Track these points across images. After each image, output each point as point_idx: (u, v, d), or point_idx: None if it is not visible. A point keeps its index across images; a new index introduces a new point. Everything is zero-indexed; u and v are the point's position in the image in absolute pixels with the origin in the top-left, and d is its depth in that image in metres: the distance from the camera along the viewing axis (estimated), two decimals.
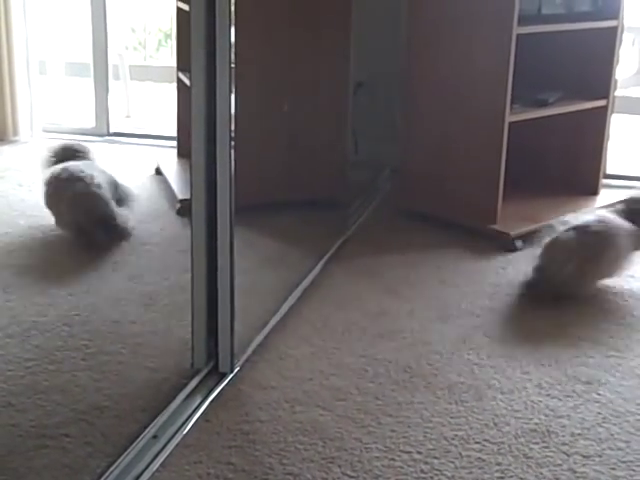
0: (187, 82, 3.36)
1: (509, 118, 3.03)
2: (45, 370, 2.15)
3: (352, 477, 1.76)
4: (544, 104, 3.20)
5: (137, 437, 1.84)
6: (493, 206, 3.12)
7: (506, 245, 3.08)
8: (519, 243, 3.09)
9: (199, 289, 2.14)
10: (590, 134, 3.46)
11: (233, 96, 2.02)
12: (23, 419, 1.93)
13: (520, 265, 2.95)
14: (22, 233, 3.14)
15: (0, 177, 3.87)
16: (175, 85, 4.01)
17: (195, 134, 2.04)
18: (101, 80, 4.63)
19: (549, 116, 3.23)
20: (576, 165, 3.52)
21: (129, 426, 1.90)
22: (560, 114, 3.26)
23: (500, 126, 3.03)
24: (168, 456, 1.81)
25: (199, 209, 2.09)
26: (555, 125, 3.43)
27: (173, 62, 4.25)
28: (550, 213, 3.26)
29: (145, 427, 1.88)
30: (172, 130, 4.11)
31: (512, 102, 3.04)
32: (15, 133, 4.48)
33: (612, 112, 3.46)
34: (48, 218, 3.31)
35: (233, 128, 2.03)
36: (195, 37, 2.00)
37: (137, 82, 5.69)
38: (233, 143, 2.04)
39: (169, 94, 4.86)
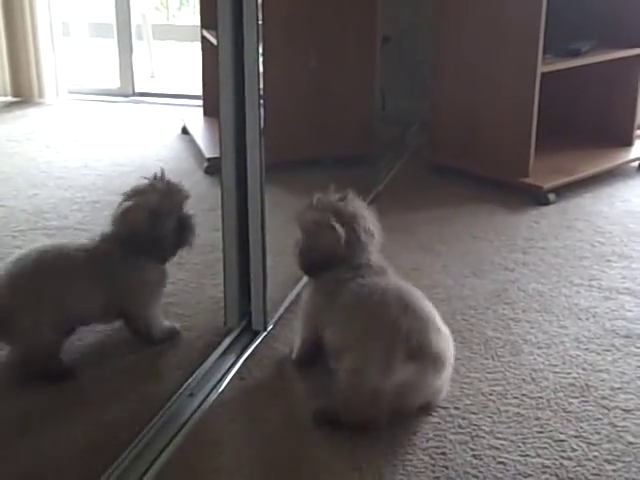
0: (212, 40, 3.33)
1: (541, 69, 2.97)
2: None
3: (390, 433, 1.74)
4: (577, 54, 3.12)
5: (173, 395, 1.84)
6: (525, 159, 3.07)
7: (539, 198, 3.03)
8: (552, 196, 3.04)
9: (230, 247, 2.12)
10: (624, 84, 3.38)
11: (261, 52, 1.98)
12: None
13: (553, 219, 2.91)
14: (51, 194, 3.14)
15: (27, 139, 3.87)
16: (198, 44, 3.97)
17: (223, 92, 2.01)
18: (124, 40, 4.60)
19: (582, 66, 3.15)
20: (609, 116, 3.45)
21: (164, 384, 1.90)
22: (593, 64, 3.18)
23: (532, 77, 2.97)
24: (204, 414, 1.80)
25: (229, 167, 2.07)
26: (588, 75, 3.36)
27: (195, 21, 4.21)
28: (583, 165, 3.22)
29: (180, 385, 1.88)
30: (197, 89, 4.08)
31: (544, 52, 2.96)
32: (40, 95, 4.47)
33: None
34: (76, 179, 3.31)
35: (262, 85, 1.99)
36: None
37: (160, 42, 5.64)
38: (262, 101, 2.00)
39: (192, 53, 4.82)
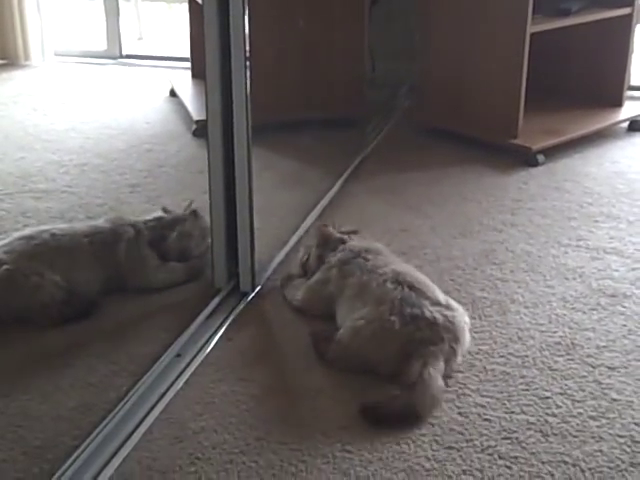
0: (199, 0, 3.29)
1: (531, 29, 2.94)
2: None
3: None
4: (567, 13, 3.10)
5: (160, 356, 1.84)
6: (514, 120, 3.06)
7: (528, 160, 3.03)
8: (541, 157, 3.04)
9: (217, 209, 2.11)
10: (614, 44, 3.36)
11: (247, 13, 1.96)
12: (46, 340, 1.94)
13: (542, 180, 2.91)
14: (38, 157, 3.12)
15: (14, 102, 3.84)
16: (186, 5, 3.92)
17: (209, 54, 1.99)
18: (111, 2, 4.55)
19: (572, 26, 3.13)
20: (599, 76, 3.44)
21: (152, 345, 1.90)
22: (583, 24, 3.16)
23: (521, 37, 2.94)
24: (192, 374, 1.81)
25: (215, 129, 2.05)
26: (578, 35, 3.34)
27: None
28: (573, 126, 3.21)
29: (168, 346, 1.88)
30: (185, 51, 4.05)
31: (534, 12, 2.94)
32: (26, 58, 4.43)
33: (637, 21, 3.36)
34: (63, 142, 3.29)
35: (248, 47, 1.97)
36: None
37: (147, 3, 5.59)
38: (248, 63, 1.98)
39: (181, 14, 4.78)
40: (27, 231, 2.16)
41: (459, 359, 1.79)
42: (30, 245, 2.08)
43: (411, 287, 1.84)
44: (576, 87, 3.49)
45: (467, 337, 1.83)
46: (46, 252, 2.08)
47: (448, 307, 1.83)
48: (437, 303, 1.82)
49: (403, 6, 3.83)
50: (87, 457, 1.53)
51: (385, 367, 1.76)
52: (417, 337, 1.74)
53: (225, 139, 2.06)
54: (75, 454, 1.53)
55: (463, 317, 1.84)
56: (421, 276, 1.93)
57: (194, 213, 2.29)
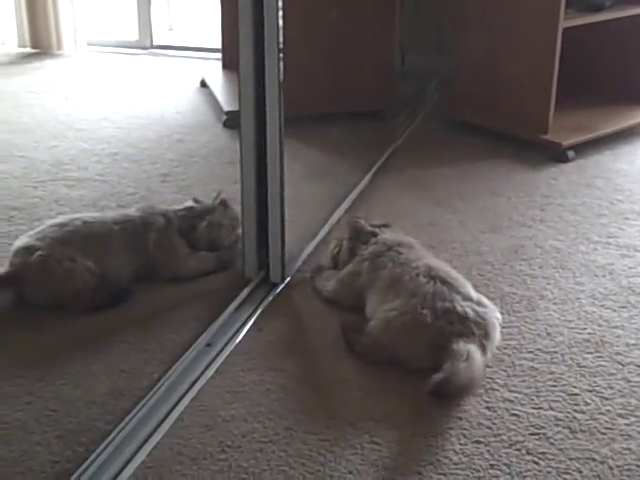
0: None
1: (563, 24, 2.93)
2: None
3: (404, 385, 1.76)
4: (600, 8, 3.08)
5: (191, 345, 1.87)
6: (545, 116, 3.05)
7: (558, 155, 3.02)
8: (571, 153, 3.02)
9: (248, 200, 2.13)
10: None
11: (281, 5, 1.97)
12: (79, 326, 1.97)
13: (572, 176, 2.90)
14: (71, 146, 3.15)
15: (46, 91, 3.87)
16: None
17: (243, 45, 2.00)
18: None
19: (604, 21, 3.11)
20: (632, 73, 3.41)
21: (183, 334, 1.92)
22: (616, 19, 3.14)
23: (554, 32, 2.93)
24: (222, 363, 1.83)
25: (248, 121, 2.07)
26: (610, 31, 3.31)
27: None
28: (604, 122, 3.19)
29: (199, 335, 1.90)
30: (216, 42, 4.06)
31: (567, 6, 2.93)
32: (59, 47, 4.47)
33: None
34: (95, 131, 3.32)
35: (281, 39, 1.98)
36: None
37: None
38: (281, 54, 1.99)
39: (212, 5, 4.79)
40: (59, 219, 2.19)
41: (489, 355, 1.80)
42: (62, 232, 2.11)
43: (443, 282, 1.85)
44: (607, 83, 3.47)
45: (498, 334, 1.83)
46: (78, 238, 2.11)
47: (479, 303, 1.83)
48: (469, 299, 1.83)
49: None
50: (120, 442, 1.56)
51: (415, 360, 1.77)
52: (448, 331, 1.75)
53: (257, 130, 2.07)
54: (108, 439, 1.56)
55: (494, 314, 1.84)
56: (453, 271, 1.94)
57: (223, 203, 2.31)
